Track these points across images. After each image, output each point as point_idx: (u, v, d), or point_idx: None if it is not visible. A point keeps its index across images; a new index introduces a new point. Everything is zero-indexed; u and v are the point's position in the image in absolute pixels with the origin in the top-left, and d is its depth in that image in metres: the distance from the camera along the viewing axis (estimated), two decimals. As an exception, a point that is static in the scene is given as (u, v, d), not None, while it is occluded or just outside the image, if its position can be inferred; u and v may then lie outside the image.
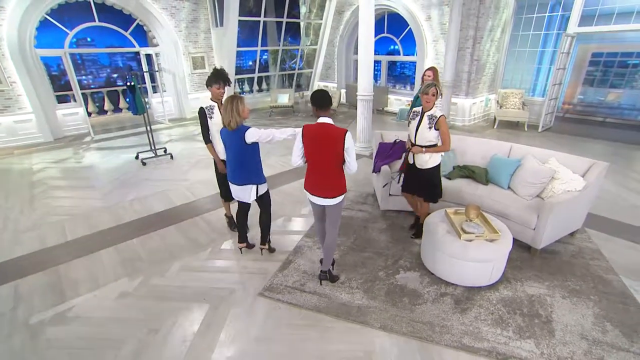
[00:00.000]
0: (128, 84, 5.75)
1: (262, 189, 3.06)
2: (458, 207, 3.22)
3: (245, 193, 3.01)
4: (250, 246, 3.40)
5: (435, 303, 2.71)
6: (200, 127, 3.32)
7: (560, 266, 3.11)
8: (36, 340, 2.44)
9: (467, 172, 3.82)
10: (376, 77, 10.86)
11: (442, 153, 3.20)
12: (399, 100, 10.03)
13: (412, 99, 5.14)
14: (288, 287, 2.90)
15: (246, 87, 11.46)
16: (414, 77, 9.68)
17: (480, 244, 2.73)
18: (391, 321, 2.53)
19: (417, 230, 3.60)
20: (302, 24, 11.55)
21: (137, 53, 9.11)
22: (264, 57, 12.22)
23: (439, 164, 3.22)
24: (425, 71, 4.05)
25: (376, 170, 4.05)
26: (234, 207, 3.55)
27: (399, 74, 14.72)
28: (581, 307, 2.65)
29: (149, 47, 9.26)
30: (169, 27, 8.91)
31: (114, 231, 3.87)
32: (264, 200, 3.13)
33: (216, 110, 3.23)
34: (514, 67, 8.47)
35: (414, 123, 3.13)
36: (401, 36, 9.67)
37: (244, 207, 3.25)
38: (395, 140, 3.97)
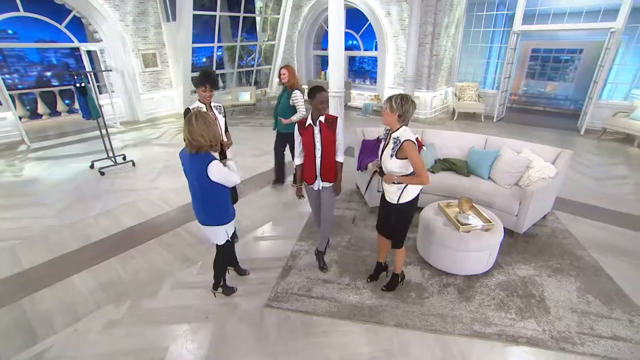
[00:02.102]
0: (77, 85, 5.12)
1: (230, 228, 2.57)
2: (449, 200, 3.35)
3: (217, 235, 2.51)
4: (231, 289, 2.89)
5: (440, 294, 2.81)
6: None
7: (540, 248, 3.40)
8: (15, 391, 2.10)
9: (449, 165, 4.00)
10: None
11: (419, 187, 2.41)
12: (361, 95, 10.21)
13: None
14: (294, 294, 2.82)
15: (201, 85, 10.83)
16: (374, 73, 9.90)
17: (477, 234, 2.88)
18: (404, 317, 2.58)
19: (391, 281, 2.86)
20: (258, 19, 11.20)
21: (76, 49, 8.17)
22: (218, 53, 11.65)
23: (414, 200, 2.43)
24: (280, 69, 4.31)
25: (362, 167, 4.08)
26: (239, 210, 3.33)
27: (358, 69, 14.97)
28: (565, 283, 2.92)
29: (90, 42, 8.35)
30: (113, 20, 8.08)
31: (83, 252, 3.45)
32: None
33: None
34: (468, 62, 9.04)
35: (382, 146, 2.48)
36: (361, 31, 9.80)
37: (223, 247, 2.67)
38: (378, 137, 4.02)
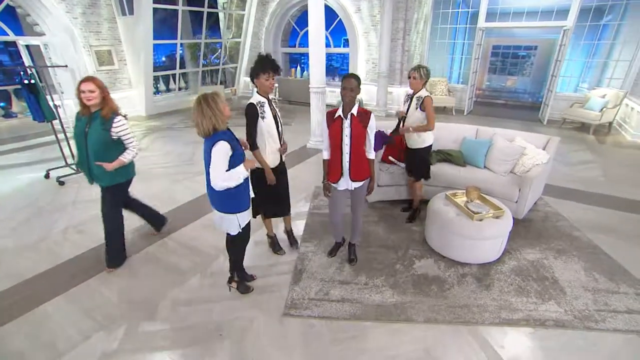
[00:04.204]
0: (26, 82, 4.46)
1: (243, 218, 2.38)
2: (455, 190, 3.34)
3: (229, 224, 2.35)
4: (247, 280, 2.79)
5: (461, 285, 2.76)
6: (246, 127, 2.60)
7: (539, 231, 3.51)
8: None
9: (444, 156, 4.02)
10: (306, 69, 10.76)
11: (431, 136, 3.36)
12: (333, 92, 10.13)
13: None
14: (313, 299, 2.62)
15: (162, 86, 10.03)
16: (343, 70, 9.89)
17: (490, 222, 2.88)
18: (432, 312, 2.49)
19: (411, 214, 3.71)
20: (221, 16, 10.70)
21: (12, 44, 7.20)
22: (180, 52, 10.93)
23: (430, 145, 3.40)
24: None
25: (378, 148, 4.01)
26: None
27: (327, 66, 14.92)
28: (571, 263, 3.03)
29: (28, 35, 7.39)
30: (58, 12, 7.23)
31: (53, 275, 2.95)
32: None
33: (267, 107, 2.61)
34: (435, 57, 9.34)
35: (405, 105, 3.35)
36: (330, 28, 9.73)
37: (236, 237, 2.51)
38: (380, 131, 3.96)
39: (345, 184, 2.64)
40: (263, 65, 2.50)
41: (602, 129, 7.22)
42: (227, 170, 2.13)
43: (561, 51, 7.32)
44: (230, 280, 2.71)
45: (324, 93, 5.98)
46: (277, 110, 2.74)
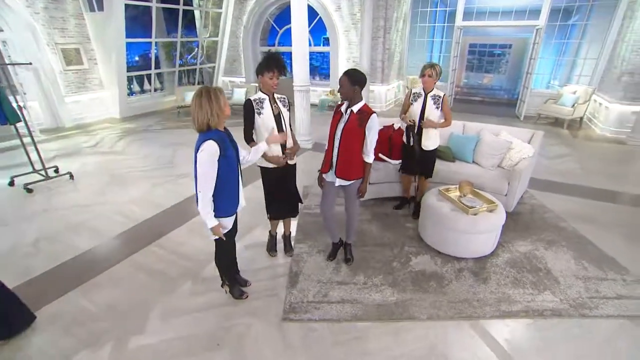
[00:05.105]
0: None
1: (224, 223, 2.22)
2: (447, 186, 3.36)
3: (207, 229, 2.18)
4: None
5: (459, 280, 2.77)
6: (243, 121, 2.57)
7: (528, 223, 3.59)
8: None
9: (433, 152, 4.04)
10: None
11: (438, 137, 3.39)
12: (314, 91, 10.06)
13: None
14: (312, 302, 2.53)
15: (136, 87, 9.55)
16: (323, 68, 9.86)
17: (485, 216, 2.90)
18: (434, 308, 2.47)
19: (415, 209, 3.71)
20: (197, 14, 10.36)
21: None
22: (155, 51, 10.49)
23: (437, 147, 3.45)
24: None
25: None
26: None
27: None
28: (560, 253, 3.10)
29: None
30: (17, 6, 6.72)
31: (25, 290, 2.69)
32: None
33: (267, 104, 2.53)
34: (415, 56, 9.47)
35: (417, 105, 3.20)
36: (311, 26, 9.64)
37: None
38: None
39: (332, 177, 2.61)
40: (268, 64, 2.42)
41: (574, 124, 7.56)
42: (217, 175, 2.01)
43: (535, 49, 7.60)
44: (222, 284, 2.60)
45: (308, 91, 5.90)
46: (283, 108, 2.63)
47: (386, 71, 8.53)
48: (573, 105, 7.16)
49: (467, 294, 2.61)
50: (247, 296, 2.60)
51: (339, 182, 2.57)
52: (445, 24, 9.14)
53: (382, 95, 8.80)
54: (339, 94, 2.42)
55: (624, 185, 4.58)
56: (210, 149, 1.93)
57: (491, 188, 3.56)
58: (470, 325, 2.34)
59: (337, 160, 2.50)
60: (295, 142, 2.72)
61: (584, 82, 7.95)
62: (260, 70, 2.44)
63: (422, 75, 3.11)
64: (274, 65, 2.41)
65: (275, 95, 2.59)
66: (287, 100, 2.68)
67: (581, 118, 7.49)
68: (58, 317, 2.43)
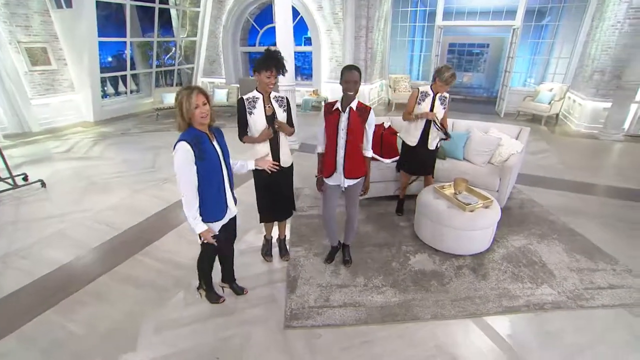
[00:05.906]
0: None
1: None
2: (442, 183, 3.35)
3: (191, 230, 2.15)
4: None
5: (459, 277, 2.75)
6: (237, 120, 2.47)
7: (519, 218, 3.65)
8: None
9: (424, 150, 4.04)
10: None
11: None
12: (297, 92, 9.95)
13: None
14: (313, 307, 2.44)
15: (109, 89, 9.06)
16: (305, 69, 9.76)
17: (481, 212, 2.91)
18: (437, 307, 2.44)
19: (399, 206, 3.78)
20: (174, 13, 10.01)
21: None
22: (124, 51, 10.03)
23: None
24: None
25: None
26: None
27: (289, 66, 14.69)
28: (553, 246, 3.16)
29: None
30: (-28, 1, 6.24)
31: (-1, 310, 2.46)
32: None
33: (260, 104, 2.38)
34: (397, 55, 9.55)
35: (425, 104, 3.23)
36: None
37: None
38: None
39: (338, 180, 2.52)
40: (266, 62, 2.28)
41: (551, 120, 7.84)
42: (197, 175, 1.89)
43: (512, 48, 7.83)
44: (198, 287, 2.52)
45: (293, 91, 5.79)
46: (279, 109, 2.47)
47: (369, 70, 8.55)
48: (550, 103, 7.42)
49: (468, 291, 2.60)
50: (224, 300, 2.51)
51: (347, 182, 2.49)
52: (426, 24, 9.29)
53: (366, 94, 8.81)
54: (346, 91, 2.27)
55: (601, 178, 4.76)
56: (182, 150, 1.81)
57: (483, 184, 3.59)
58: (474, 323, 2.32)
59: (344, 161, 2.42)
60: (291, 126, 2.57)
61: (558, 80, 8.27)
62: (258, 67, 2.30)
63: (447, 83, 3.06)
64: (272, 64, 2.28)
65: (272, 95, 2.46)
66: (285, 100, 2.52)
67: (557, 115, 7.78)
68: (33, 341, 2.21)
